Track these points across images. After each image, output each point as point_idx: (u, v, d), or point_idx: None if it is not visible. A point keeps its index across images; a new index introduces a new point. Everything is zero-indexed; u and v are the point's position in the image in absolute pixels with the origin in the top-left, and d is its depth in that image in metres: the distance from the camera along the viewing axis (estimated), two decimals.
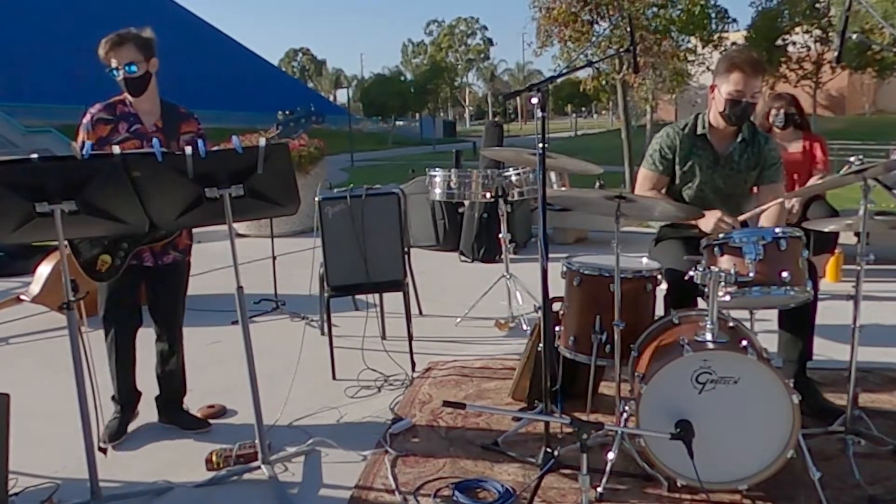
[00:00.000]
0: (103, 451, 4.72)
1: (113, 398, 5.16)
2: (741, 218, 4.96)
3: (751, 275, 4.18)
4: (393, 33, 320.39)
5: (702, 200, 5.13)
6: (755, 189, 5.26)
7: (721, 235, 4.36)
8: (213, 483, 4.45)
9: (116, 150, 4.03)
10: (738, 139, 5.12)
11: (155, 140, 4.29)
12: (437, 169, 7.81)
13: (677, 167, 5.19)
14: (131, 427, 5.23)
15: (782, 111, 7.62)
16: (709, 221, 4.80)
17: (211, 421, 5.30)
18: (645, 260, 5.04)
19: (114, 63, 4.76)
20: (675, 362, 3.88)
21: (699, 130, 5.16)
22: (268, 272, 8.41)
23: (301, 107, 5.23)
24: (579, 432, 3.51)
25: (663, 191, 5.28)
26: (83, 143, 4.80)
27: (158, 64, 4.93)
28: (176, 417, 5.30)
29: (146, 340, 5.25)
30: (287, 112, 5.18)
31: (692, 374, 3.87)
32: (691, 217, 4.78)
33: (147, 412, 5.36)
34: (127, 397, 5.22)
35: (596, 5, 19.55)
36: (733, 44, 32.30)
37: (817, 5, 44.20)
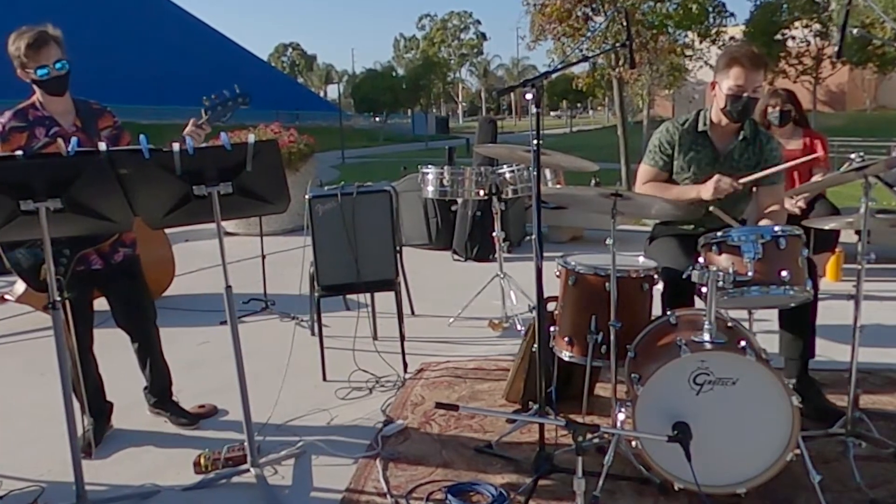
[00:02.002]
0: (89, 453, 4.72)
1: (83, 412, 4.90)
2: (742, 181, 4.93)
3: (749, 274, 4.18)
4: (384, 28, 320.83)
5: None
6: (754, 189, 5.26)
7: (720, 234, 4.36)
8: (201, 486, 4.45)
9: (103, 146, 4.00)
10: (740, 137, 5.12)
11: (142, 136, 4.28)
12: (429, 166, 7.82)
13: (675, 162, 5.19)
14: (115, 432, 5.22)
15: (778, 108, 7.62)
16: (708, 188, 4.84)
17: (200, 422, 5.31)
18: (641, 259, 5.04)
19: (39, 63, 4.64)
20: (673, 363, 3.88)
21: (700, 127, 5.15)
22: (257, 271, 8.40)
23: (226, 89, 5.14)
24: (575, 434, 3.51)
25: None
26: None
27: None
28: (165, 407, 5.35)
29: (126, 341, 5.25)
30: (213, 96, 5.09)
31: (690, 375, 3.87)
32: (689, 215, 4.78)
33: (135, 415, 5.36)
34: (98, 407, 5.14)
35: (591, 0, 19.57)
36: (731, 38, 32.29)
37: None
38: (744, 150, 5.13)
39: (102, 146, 4.01)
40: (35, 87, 4.78)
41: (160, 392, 5.39)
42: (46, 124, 4.80)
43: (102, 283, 5.08)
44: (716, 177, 4.84)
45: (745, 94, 4.88)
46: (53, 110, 4.84)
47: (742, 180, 4.92)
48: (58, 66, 4.68)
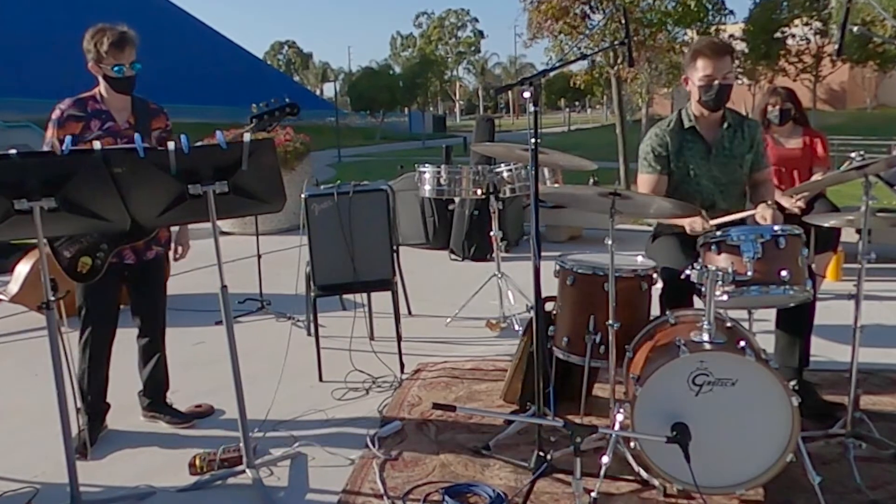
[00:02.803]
0: (84, 454, 4.72)
1: (78, 410, 4.83)
2: (713, 223, 4.92)
3: (749, 273, 4.19)
4: (381, 25, 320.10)
5: (700, 193, 5.19)
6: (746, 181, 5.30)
7: (719, 233, 4.38)
8: (196, 488, 4.45)
9: (97, 145, 4.01)
10: (725, 126, 5.22)
11: (137, 135, 4.32)
12: (426, 165, 7.82)
13: (672, 164, 5.22)
14: (110, 433, 5.22)
15: (778, 107, 7.62)
16: (694, 225, 4.85)
17: (196, 422, 5.35)
18: (640, 258, 5.05)
19: (116, 61, 4.85)
20: (671, 364, 3.88)
21: (686, 124, 5.25)
22: (253, 271, 8.40)
23: (276, 98, 5.26)
24: (573, 435, 3.51)
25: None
26: (51, 139, 4.86)
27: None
28: (160, 410, 5.39)
29: (125, 342, 5.25)
30: (262, 104, 5.21)
31: (688, 375, 3.87)
32: (688, 215, 4.78)
33: (130, 416, 5.37)
34: (97, 406, 5.19)
35: None
36: (731, 36, 32.29)
37: None
38: (732, 138, 5.25)
39: (97, 145, 4.01)
40: (103, 81, 4.97)
41: (155, 394, 5.42)
42: (102, 118, 4.97)
43: (131, 278, 5.20)
44: (699, 221, 4.86)
45: (715, 82, 5.02)
46: (112, 105, 5.01)
47: (713, 222, 4.92)
48: (135, 67, 4.94)
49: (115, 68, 4.86)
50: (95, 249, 4.85)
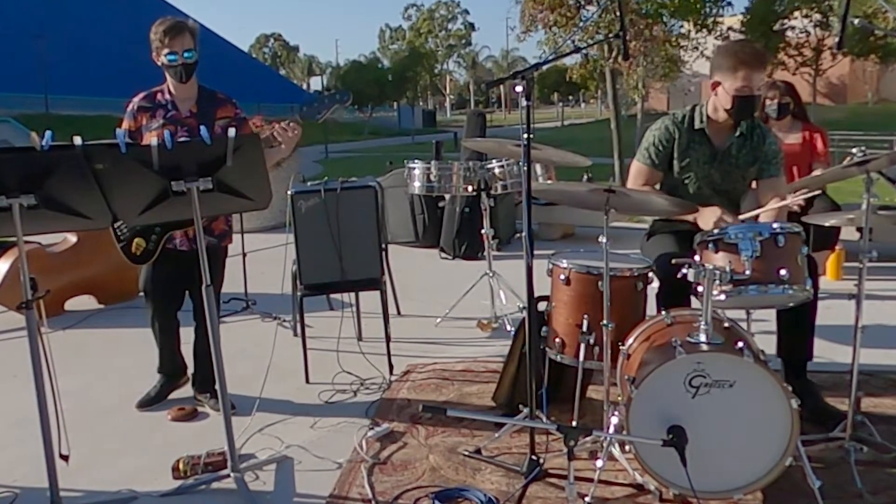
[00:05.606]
0: (65, 458, 4.72)
1: (158, 370, 5.82)
2: (741, 218, 4.93)
3: (747, 273, 4.18)
4: (369, 18, 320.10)
5: (699, 197, 5.14)
6: (754, 184, 5.27)
7: (716, 231, 4.38)
8: (179, 492, 4.45)
9: (78, 140, 4.01)
10: (737, 133, 5.15)
11: (119, 131, 4.33)
12: (416, 161, 7.82)
13: (675, 161, 5.20)
14: (93, 435, 5.21)
15: (776, 101, 7.64)
16: (708, 220, 4.81)
17: (180, 424, 5.36)
18: (635, 257, 5.05)
19: (171, 49, 5.20)
20: (668, 365, 3.88)
21: (697, 125, 5.18)
22: (238, 270, 8.37)
23: (330, 90, 5.47)
24: (566, 439, 3.52)
25: (657, 186, 5.28)
26: (125, 130, 5.25)
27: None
28: (208, 391, 5.63)
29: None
30: (316, 92, 5.45)
31: (685, 377, 3.87)
32: (685, 212, 4.78)
33: (113, 418, 5.37)
34: (169, 368, 5.85)
35: None
36: (729, 28, 32.25)
37: None
38: (741, 146, 5.17)
39: (78, 140, 4.01)
40: (165, 71, 5.37)
41: (202, 380, 5.68)
42: (167, 108, 5.41)
43: (186, 265, 5.37)
44: (719, 214, 4.83)
45: (752, 95, 4.91)
46: (177, 96, 5.43)
47: (742, 216, 4.92)
48: (186, 55, 5.25)
49: (169, 56, 5.21)
50: (149, 232, 5.28)
